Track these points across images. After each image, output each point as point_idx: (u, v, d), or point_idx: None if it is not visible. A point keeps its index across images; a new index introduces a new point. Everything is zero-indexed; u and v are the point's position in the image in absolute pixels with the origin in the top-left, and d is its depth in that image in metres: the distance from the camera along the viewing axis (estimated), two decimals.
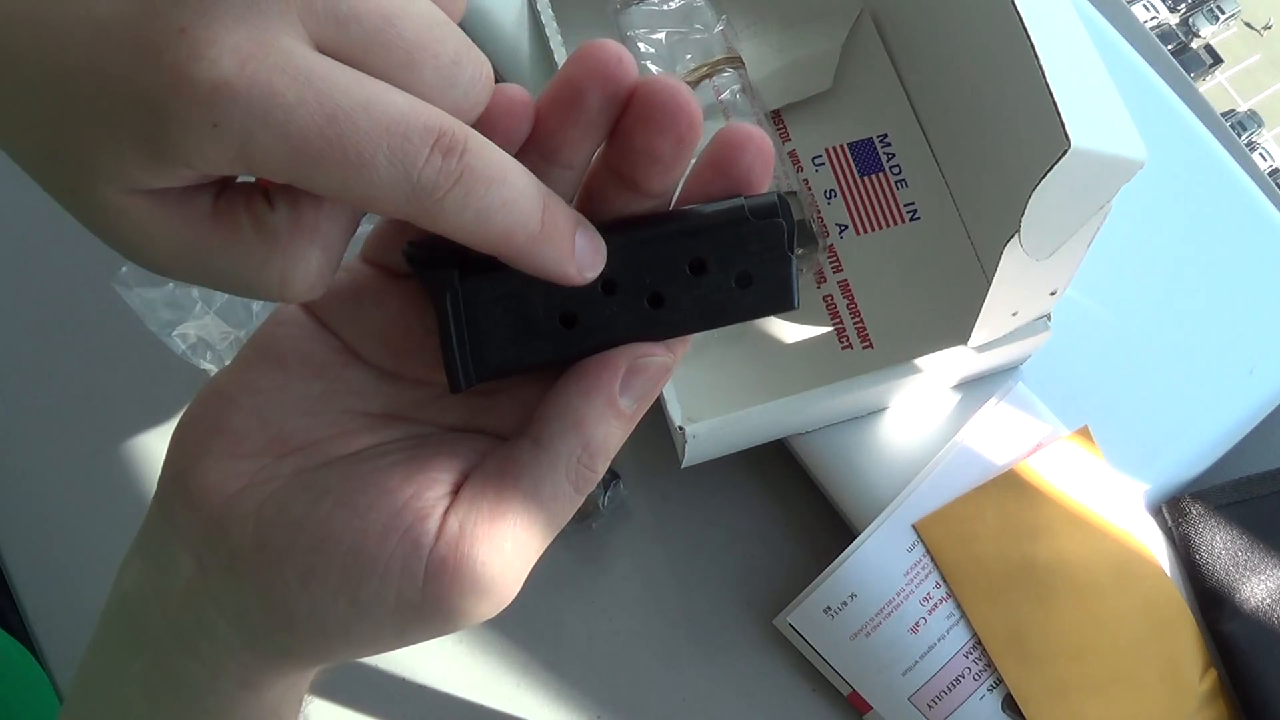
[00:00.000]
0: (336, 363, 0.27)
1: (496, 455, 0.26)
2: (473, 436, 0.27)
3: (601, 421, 0.25)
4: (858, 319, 0.56)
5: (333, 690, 0.57)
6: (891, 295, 0.57)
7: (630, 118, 0.25)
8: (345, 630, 0.25)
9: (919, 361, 0.52)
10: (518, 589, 0.26)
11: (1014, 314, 0.50)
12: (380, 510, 0.25)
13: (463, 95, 0.23)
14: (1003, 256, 0.44)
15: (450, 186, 0.22)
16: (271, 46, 0.21)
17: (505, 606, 0.26)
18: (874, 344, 0.56)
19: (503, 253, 0.24)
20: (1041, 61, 0.41)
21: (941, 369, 0.53)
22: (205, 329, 0.56)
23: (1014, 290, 0.48)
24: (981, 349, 0.52)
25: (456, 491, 0.25)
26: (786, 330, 0.56)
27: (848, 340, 0.56)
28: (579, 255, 0.25)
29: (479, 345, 0.26)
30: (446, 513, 0.25)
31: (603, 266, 0.26)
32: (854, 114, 0.60)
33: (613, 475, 0.58)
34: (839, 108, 0.60)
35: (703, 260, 0.26)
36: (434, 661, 0.58)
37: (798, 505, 0.59)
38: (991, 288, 0.47)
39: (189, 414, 0.27)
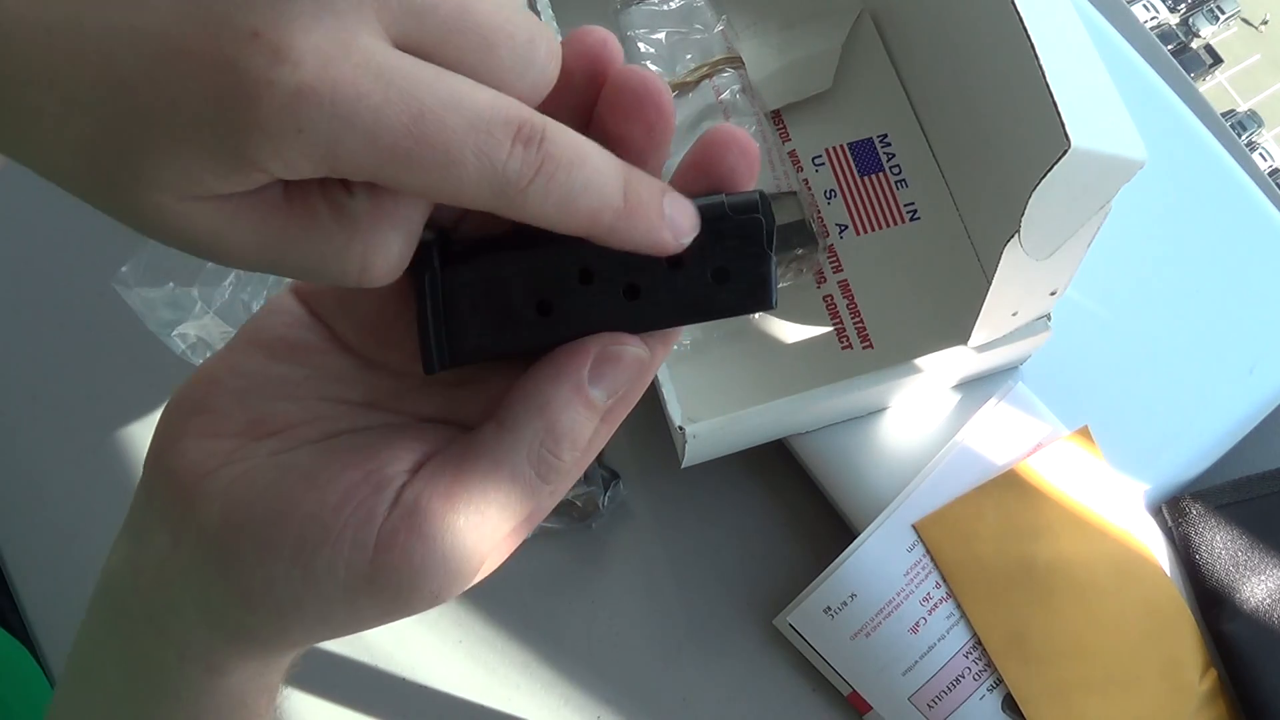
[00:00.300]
0: (322, 350, 0.27)
1: (462, 439, 0.26)
2: (445, 425, 0.27)
3: (567, 407, 0.25)
4: (858, 319, 0.56)
5: (333, 690, 0.57)
6: (891, 295, 0.57)
7: (603, 106, 0.25)
8: (298, 604, 0.25)
9: (919, 361, 0.52)
10: (472, 573, 0.25)
11: (1014, 314, 0.50)
12: (338, 483, 0.24)
13: (540, 73, 0.23)
14: (1003, 256, 0.44)
15: (533, 176, 0.22)
16: (352, 46, 0.21)
17: (460, 591, 0.25)
18: (874, 344, 0.56)
19: (594, 233, 0.24)
20: (1041, 61, 0.41)
21: (941, 369, 0.53)
22: (205, 329, 0.56)
23: (1014, 290, 0.48)
24: (981, 349, 0.52)
25: (419, 471, 0.25)
26: (786, 330, 0.56)
27: (848, 340, 0.56)
28: (671, 222, 0.25)
29: (455, 329, 0.26)
30: (403, 487, 0.25)
31: (697, 230, 0.25)
32: (854, 114, 0.60)
33: (613, 475, 0.58)
34: (839, 108, 0.60)
35: (680, 254, 0.26)
36: (434, 661, 0.58)
37: (798, 505, 0.59)
38: (991, 288, 0.47)
39: (176, 394, 0.27)
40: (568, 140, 0.23)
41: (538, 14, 0.58)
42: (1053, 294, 0.50)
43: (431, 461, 0.25)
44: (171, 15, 0.20)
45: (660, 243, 0.25)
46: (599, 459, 0.58)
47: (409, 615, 0.25)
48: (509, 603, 0.58)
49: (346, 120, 0.20)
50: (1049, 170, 0.40)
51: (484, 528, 0.25)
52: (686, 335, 0.55)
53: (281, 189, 0.23)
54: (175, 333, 0.56)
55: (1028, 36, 0.42)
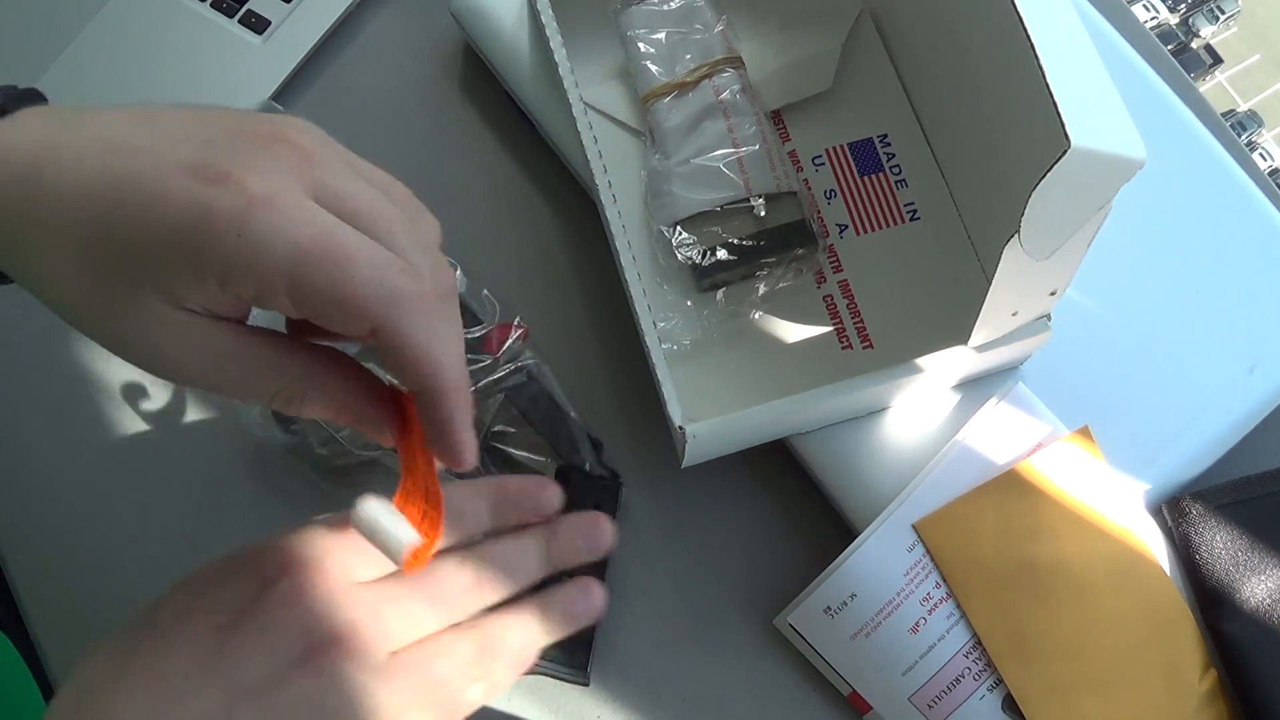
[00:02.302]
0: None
1: None
2: None
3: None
4: (858, 319, 0.56)
5: None
6: (891, 295, 0.57)
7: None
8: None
9: (919, 361, 0.52)
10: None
11: (1014, 314, 0.50)
12: None
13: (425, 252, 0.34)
14: (1003, 256, 0.44)
15: (419, 297, 0.32)
16: (287, 187, 0.31)
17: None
18: (874, 344, 0.56)
19: (438, 380, 0.33)
20: (1041, 61, 0.41)
21: (942, 369, 0.53)
22: None
23: (1014, 290, 0.48)
24: (981, 349, 0.52)
25: None
26: (787, 330, 0.56)
27: (848, 340, 0.56)
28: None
29: None
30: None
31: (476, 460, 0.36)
32: (854, 114, 0.60)
33: (613, 475, 0.58)
34: (839, 108, 0.60)
35: None
36: None
37: (798, 505, 0.59)
38: (992, 288, 0.47)
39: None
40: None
41: (538, 14, 0.58)
42: (1053, 294, 0.50)
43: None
44: (180, 158, 0.31)
45: (462, 443, 0.34)
46: (599, 458, 0.58)
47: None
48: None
49: (276, 227, 0.30)
50: (1049, 170, 0.40)
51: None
52: (687, 335, 0.55)
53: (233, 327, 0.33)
54: None
55: (1028, 36, 0.42)
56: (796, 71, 0.60)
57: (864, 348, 0.56)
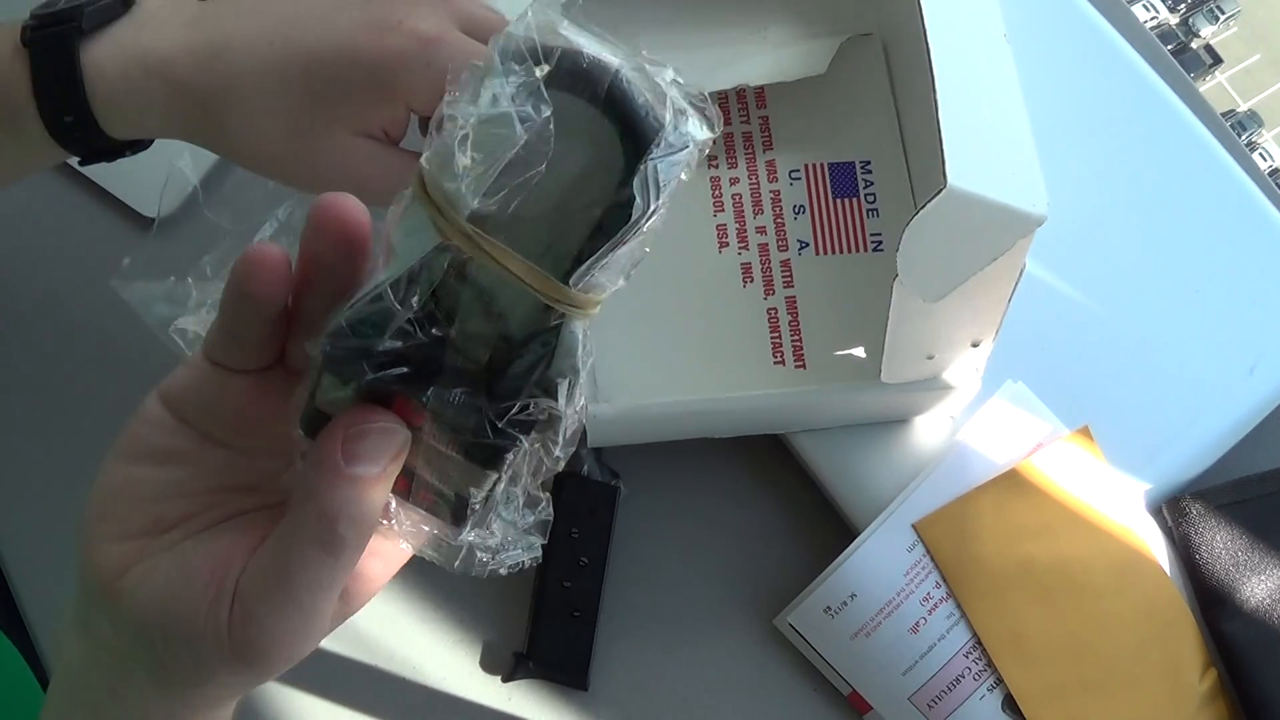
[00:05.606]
0: (197, 450, 0.31)
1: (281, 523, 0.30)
2: None
3: (331, 490, 0.28)
4: (796, 336, 0.55)
5: (332, 689, 0.57)
6: (836, 321, 0.56)
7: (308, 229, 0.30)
8: (200, 672, 0.30)
9: (839, 392, 0.52)
10: (311, 632, 0.29)
11: (929, 357, 0.49)
12: (200, 579, 0.29)
13: None
14: (894, 292, 0.43)
15: None
16: (446, 27, 0.43)
17: (314, 645, 0.30)
18: (806, 364, 0.55)
19: None
20: (939, 97, 0.40)
21: (860, 406, 0.52)
22: (204, 323, 0.56)
23: (919, 331, 0.47)
24: (903, 390, 0.51)
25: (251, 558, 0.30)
26: (724, 333, 0.56)
27: (781, 356, 0.55)
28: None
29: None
30: (240, 578, 0.29)
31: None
32: (842, 135, 0.59)
33: (612, 475, 0.58)
34: (829, 126, 0.59)
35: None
36: (434, 661, 0.58)
37: (798, 505, 0.59)
38: (890, 323, 0.45)
39: (87, 504, 0.32)
40: None
41: None
42: (976, 345, 0.49)
43: (258, 550, 0.29)
44: (353, 17, 0.42)
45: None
46: (599, 458, 0.58)
47: (275, 675, 0.30)
48: (508, 603, 0.58)
49: (450, 55, 0.41)
50: (923, 207, 0.39)
51: (286, 607, 0.28)
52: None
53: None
54: (173, 329, 0.56)
55: (931, 71, 0.41)
56: (792, 53, 0.58)
57: (796, 366, 0.55)
